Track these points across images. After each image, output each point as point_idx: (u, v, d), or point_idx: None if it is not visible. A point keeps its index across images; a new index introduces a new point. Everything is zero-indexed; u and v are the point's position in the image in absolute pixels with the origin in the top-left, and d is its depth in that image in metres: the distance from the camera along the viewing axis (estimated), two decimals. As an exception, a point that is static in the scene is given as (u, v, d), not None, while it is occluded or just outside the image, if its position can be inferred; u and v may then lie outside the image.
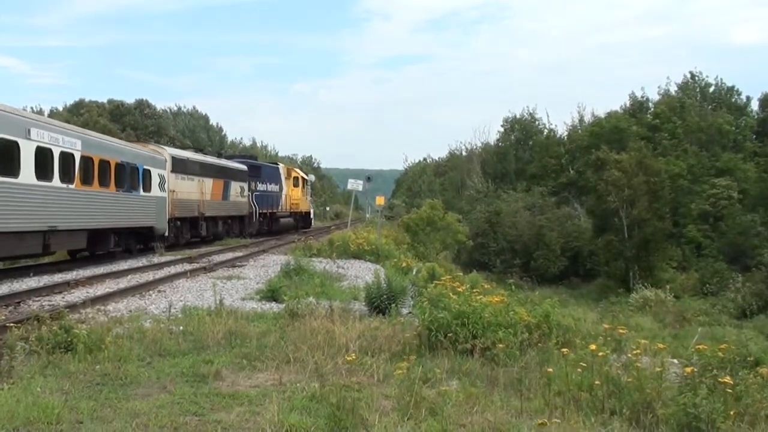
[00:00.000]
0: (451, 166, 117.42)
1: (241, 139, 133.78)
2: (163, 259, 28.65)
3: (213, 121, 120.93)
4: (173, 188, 35.56)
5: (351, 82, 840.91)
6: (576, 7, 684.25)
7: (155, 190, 32.54)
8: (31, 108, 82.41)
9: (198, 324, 13.23)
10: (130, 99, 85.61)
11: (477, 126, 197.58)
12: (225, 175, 44.47)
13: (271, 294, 18.44)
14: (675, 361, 11.01)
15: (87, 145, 26.01)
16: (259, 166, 54.55)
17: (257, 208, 50.24)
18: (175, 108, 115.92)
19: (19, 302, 16.96)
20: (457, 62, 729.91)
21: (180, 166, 37.08)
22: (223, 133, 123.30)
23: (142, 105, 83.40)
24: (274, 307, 16.90)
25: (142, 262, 27.59)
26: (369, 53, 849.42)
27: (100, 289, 19.73)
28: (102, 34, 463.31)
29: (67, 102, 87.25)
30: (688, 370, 9.00)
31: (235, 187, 45.99)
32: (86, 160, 25.78)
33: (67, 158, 24.25)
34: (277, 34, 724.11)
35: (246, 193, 48.37)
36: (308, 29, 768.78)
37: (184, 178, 37.47)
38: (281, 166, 62.19)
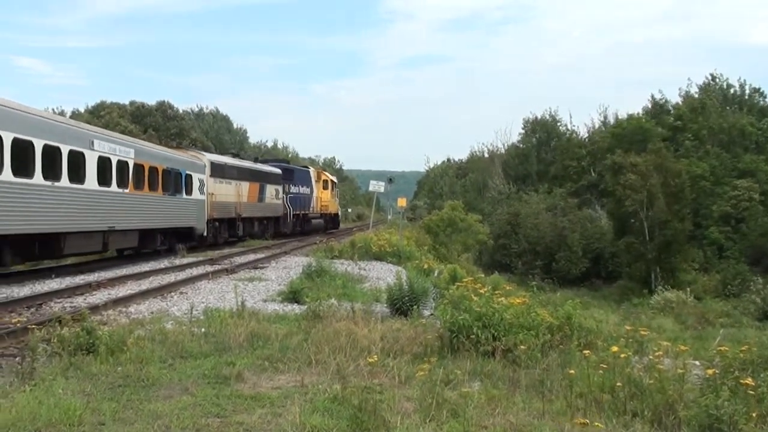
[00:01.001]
0: (473, 168, 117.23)
1: (265, 141, 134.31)
2: (185, 260, 28.70)
3: (234, 123, 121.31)
4: (212, 191, 38.04)
5: (373, 82, 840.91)
6: (598, 7, 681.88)
7: (195, 194, 35.26)
8: (53, 109, 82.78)
9: (220, 326, 13.24)
10: (150, 100, 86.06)
11: (499, 127, 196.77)
12: (260, 178, 47.06)
13: (293, 296, 18.42)
14: (697, 362, 10.95)
15: (139, 153, 28.83)
16: (292, 169, 57.03)
17: (291, 209, 53.28)
18: (197, 109, 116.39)
19: (41, 304, 17.02)
20: (480, 63, 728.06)
21: (218, 171, 39.70)
22: (245, 135, 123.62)
23: (163, 106, 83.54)
24: (296, 308, 16.88)
25: (163, 263, 27.64)
26: (391, 53, 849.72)
27: (122, 290, 19.76)
28: (122, 34, 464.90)
29: (89, 103, 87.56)
30: (710, 371, 8.95)
31: (270, 189, 48.79)
32: (138, 167, 28.52)
33: (122, 166, 27.08)
34: (299, 35, 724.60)
35: (281, 195, 51.24)
36: (330, 30, 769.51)
37: (222, 182, 40.03)
38: (312, 169, 64.92)
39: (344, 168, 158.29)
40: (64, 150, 22.70)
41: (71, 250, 24.42)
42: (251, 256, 32.16)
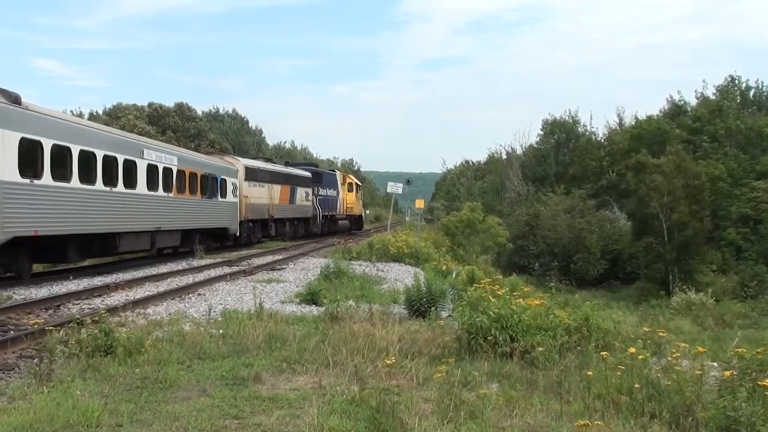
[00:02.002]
0: (491, 169, 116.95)
1: (283, 143, 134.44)
2: (203, 262, 28.76)
3: (252, 124, 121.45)
4: (246, 194, 40.85)
5: (390, 84, 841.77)
6: (615, 8, 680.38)
7: (229, 197, 38.00)
8: (71, 111, 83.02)
9: (238, 327, 13.23)
10: (169, 102, 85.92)
11: (517, 128, 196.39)
12: (291, 181, 50.08)
13: (311, 297, 18.42)
14: (714, 364, 10.85)
15: (181, 160, 31.69)
16: (320, 173, 60.25)
17: (320, 210, 56.26)
18: (215, 110, 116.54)
19: (59, 305, 17.07)
20: (497, 64, 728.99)
21: (252, 175, 42.44)
22: (262, 136, 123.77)
23: (182, 108, 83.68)
24: (313, 310, 16.88)
25: (181, 265, 27.72)
26: (409, 55, 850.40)
27: (140, 292, 19.80)
28: (142, 36, 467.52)
29: (107, 105, 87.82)
30: (728, 373, 8.86)
31: (301, 192, 51.83)
32: (180, 174, 31.33)
33: (167, 172, 29.88)
34: (317, 36, 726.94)
35: (310, 197, 54.26)
36: (348, 32, 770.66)
37: (256, 185, 42.78)
38: (338, 172, 68.23)
39: (362, 169, 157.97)
40: (120, 159, 25.53)
41: (125, 249, 27.00)
42: (269, 258, 32.20)
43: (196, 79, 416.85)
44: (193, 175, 32.80)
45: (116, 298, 18.33)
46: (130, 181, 26.27)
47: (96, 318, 11.82)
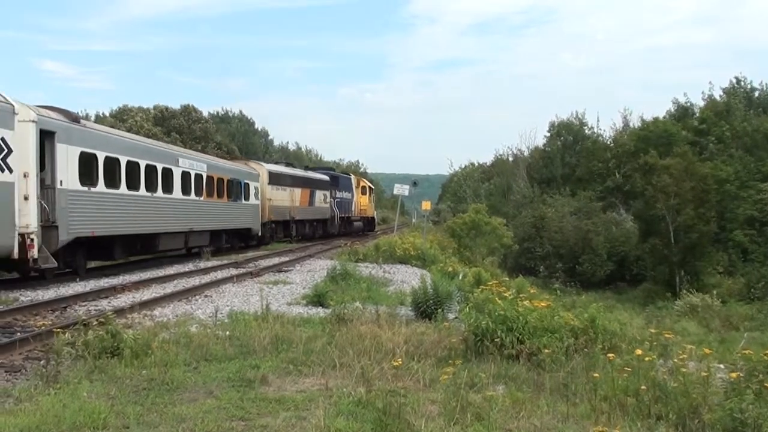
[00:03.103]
0: (497, 171, 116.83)
1: (286, 143, 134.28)
2: (210, 263, 28.84)
3: (258, 125, 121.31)
4: (270, 197, 44.05)
5: (397, 85, 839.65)
6: (622, 10, 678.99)
7: (252, 200, 41.22)
8: (78, 113, 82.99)
9: (244, 329, 13.25)
10: (175, 104, 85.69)
11: (523, 130, 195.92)
12: (311, 184, 53.22)
13: (318, 299, 18.40)
14: (721, 366, 10.82)
15: (210, 167, 35.36)
16: (337, 176, 63.23)
17: (338, 212, 59.38)
18: (223, 112, 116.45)
19: (65, 307, 17.13)
20: (503, 66, 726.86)
21: (275, 179, 45.59)
22: (270, 138, 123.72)
23: (187, 110, 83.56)
24: (320, 312, 16.84)
25: (188, 267, 27.76)
26: (415, 57, 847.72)
27: (147, 293, 19.85)
28: (149, 38, 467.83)
29: (113, 107, 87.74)
30: (734, 375, 8.85)
31: (320, 195, 54.92)
32: (209, 179, 34.71)
33: (198, 178, 33.24)
34: (324, 38, 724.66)
35: (328, 200, 57.24)
36: (355, 33, 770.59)
37: (278, 189, 45.89)
38: (352, 176, 70.65)
39: (368, 171, 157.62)
40: (159, 167, 28.91)
41: (163, 247, 30.19)
42: (276, 260, 32.23)
43: (203, 80, 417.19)
44: (220, 180, 36.18)
45: (123, 300, 18.38)
46: (168, 187, 29.67)
47: (103, 319, 11.82)
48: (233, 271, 25.95)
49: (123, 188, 25.81)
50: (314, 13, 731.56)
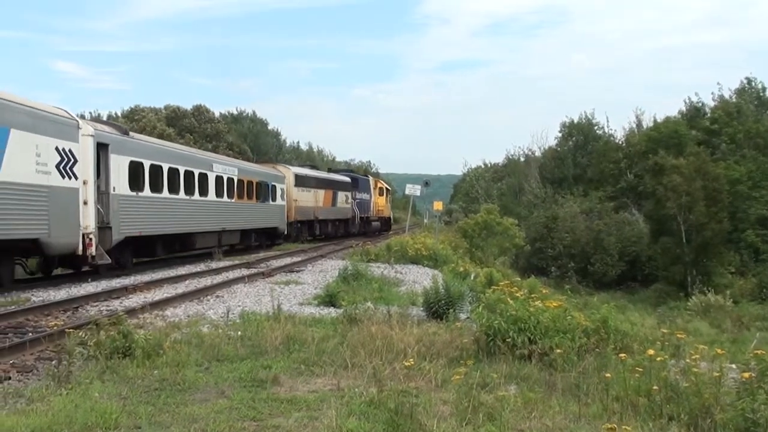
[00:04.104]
0: (509, 171, 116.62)
1: (296, 142, 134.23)
2: (221, 264, 28.85)
3: (271, 126, 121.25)
4: (296, 198, 46.67)
5: (409, 86, 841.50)
6: (634, 11, 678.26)
7: (278, 200, 43.85)
8: (90, 113, 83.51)
9: (256, 329, 13.24)
10: (187, 104, 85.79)
11: (535, 131, 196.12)
12: (333, 186, 56.00)
13: (329, 299, 18.39)
14: (733, 366, 10.76)
15: (241, 171, 38.03)
16: (357, 178, 65.87)
17: (358, 212, 61.95)
18: (236, 112, 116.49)
19: (77, 307, 17.15)
20: (516, 66, 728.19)
21: (300, 181, 48.34)
22: (283, 139, 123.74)
23: (199, 110, 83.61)
24: (332, 312, 16.82)
25: (199, 267, 27.79)
26: (428, 57, 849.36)
27: (158, 294, 19.86)
28: (161, 39, 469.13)
29: (125, 107, 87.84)
30: (746, 375, 8.78)
31: (341, 196, 57.61)
32: (240, 182, 37.40)
33: (230, 182, 35.95)
34: (336, 39, 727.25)
35: (349, 200, 60.00)
36: (367, 34, 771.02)
37: (303, 190, 48.53)
38: (370, 178, 73.94)
39: (380, 171, 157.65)
40: (196, 173, 31.71)
41: (200, 246, 32.60)
42: (287, 260, 32.25)
43: (215, 81, 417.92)
44: (249, 183, 38.87)
45: (134, 300, 18.39)
46: (203, 191, 32.45)
47: (114, 320, 11.84)
48: (245, 272, 25.96)
49: (165, 192, 28.62)
50: (327, 14, 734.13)
